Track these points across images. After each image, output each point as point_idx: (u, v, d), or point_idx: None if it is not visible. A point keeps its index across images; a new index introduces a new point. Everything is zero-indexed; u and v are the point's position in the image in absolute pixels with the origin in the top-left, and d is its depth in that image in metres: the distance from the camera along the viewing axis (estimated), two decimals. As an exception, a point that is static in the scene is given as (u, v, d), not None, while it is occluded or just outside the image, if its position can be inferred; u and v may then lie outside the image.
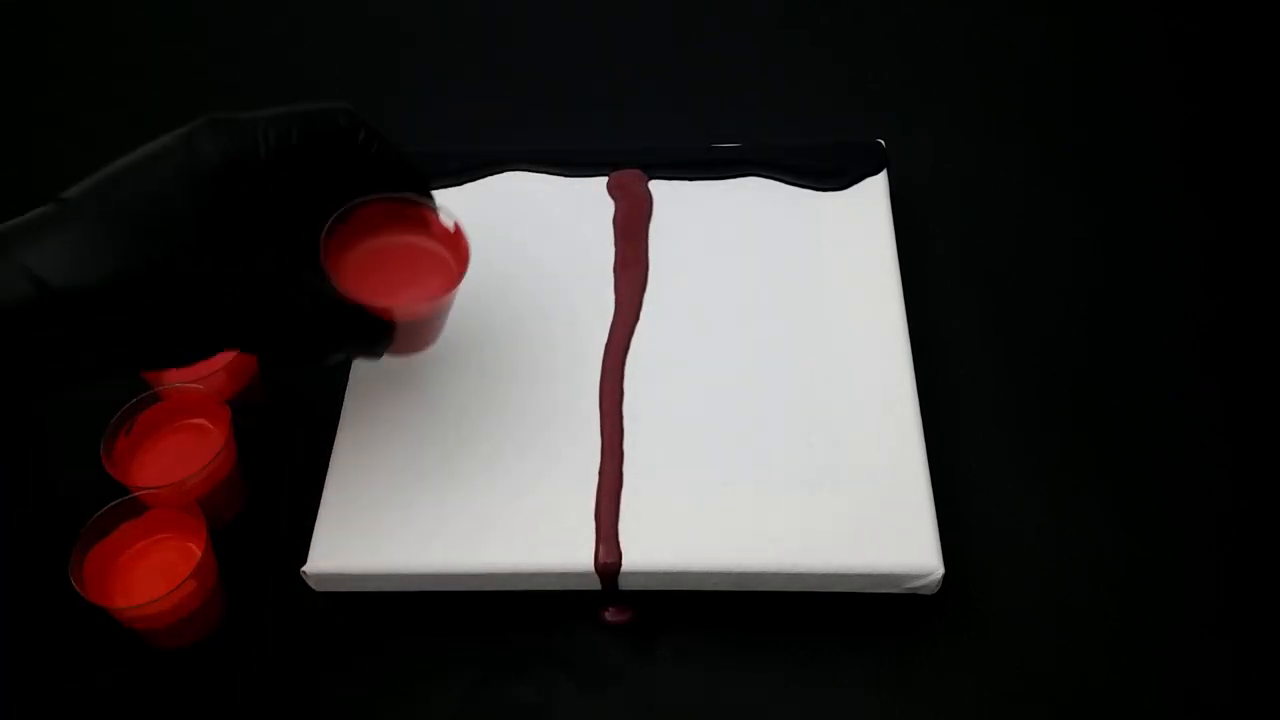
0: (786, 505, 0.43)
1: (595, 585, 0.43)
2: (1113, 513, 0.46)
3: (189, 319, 0.36)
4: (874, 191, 0.53)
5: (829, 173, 0.54)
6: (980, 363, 0.51)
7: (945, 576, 0.41)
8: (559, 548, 0.43)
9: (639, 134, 0.62)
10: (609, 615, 0.44)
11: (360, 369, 0.50)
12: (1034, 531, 0.46)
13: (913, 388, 0.46)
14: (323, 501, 0.45)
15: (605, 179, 0.55)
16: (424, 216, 0.42)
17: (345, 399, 0.49)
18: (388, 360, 0.49)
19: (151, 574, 0.44)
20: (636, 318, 0.50)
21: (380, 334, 0.40)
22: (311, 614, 0.45)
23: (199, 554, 0.43)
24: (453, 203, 0.54)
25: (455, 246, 0.42)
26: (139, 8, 0.73)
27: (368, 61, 0.69)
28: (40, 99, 0.69)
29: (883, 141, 0.55)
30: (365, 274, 0.41)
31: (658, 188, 0.55)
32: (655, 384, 0.47)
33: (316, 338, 0.39)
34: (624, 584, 0.43)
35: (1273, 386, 0.50)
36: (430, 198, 0.42)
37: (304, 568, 0.44)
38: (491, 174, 0.56)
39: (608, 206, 0.54)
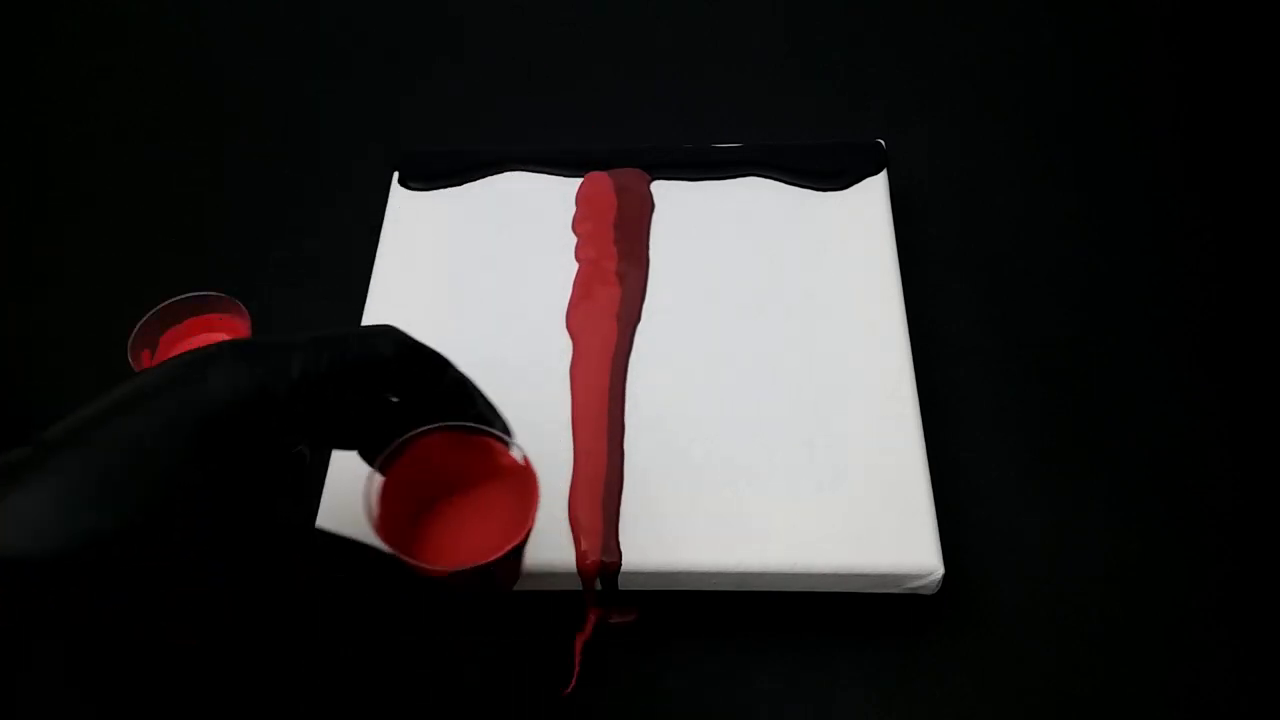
0: (786, 505, 0.43)
1: (595, 585, 0.43)
2: (1113, 513, 0.46)
3: (181, 580, 0.30)
4: (874, 191, 0.53)
5: (829, 173, 0.54)
6: (980, 362, 0.51)
7: (945, 576, 0.41)
8: (559, 548, 0.43)
9: (639, 134, 0.62)
10: (610, 617, 0.44)
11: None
12: (1034, 531, 0.46)
13: (913, 388, 0.46)
14: (323, 501, 0.45)
15: (607, 179, 0.55)
16: (488, 447, 0.36)
17: (345, 399, 0.48)
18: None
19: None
20: (637, 317, 0.50)
21: (432, 597, 0.35)
22: (312, 614, 0.45)
23: (199, 554, 0.43)
24: (453, 202, 0.55)
25: (524, 483, 0.36)
26: (139, 8, 0.74)
27: (368, 61, 0.69)
28: (40, 97, 0.69)
29: (883, 141, 0.55)
30: (414, 529, 0.36)
31: (658, 188, 0.55)
32: (656, 383, 0.47)
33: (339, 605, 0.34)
34: (624, 584, 0.43)
35: (1273, 386, 0.50)
36: (498, 425, 0.36)
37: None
38: (491, 174, 0.56)
39: (608, 206, 0.54)
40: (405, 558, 0.33)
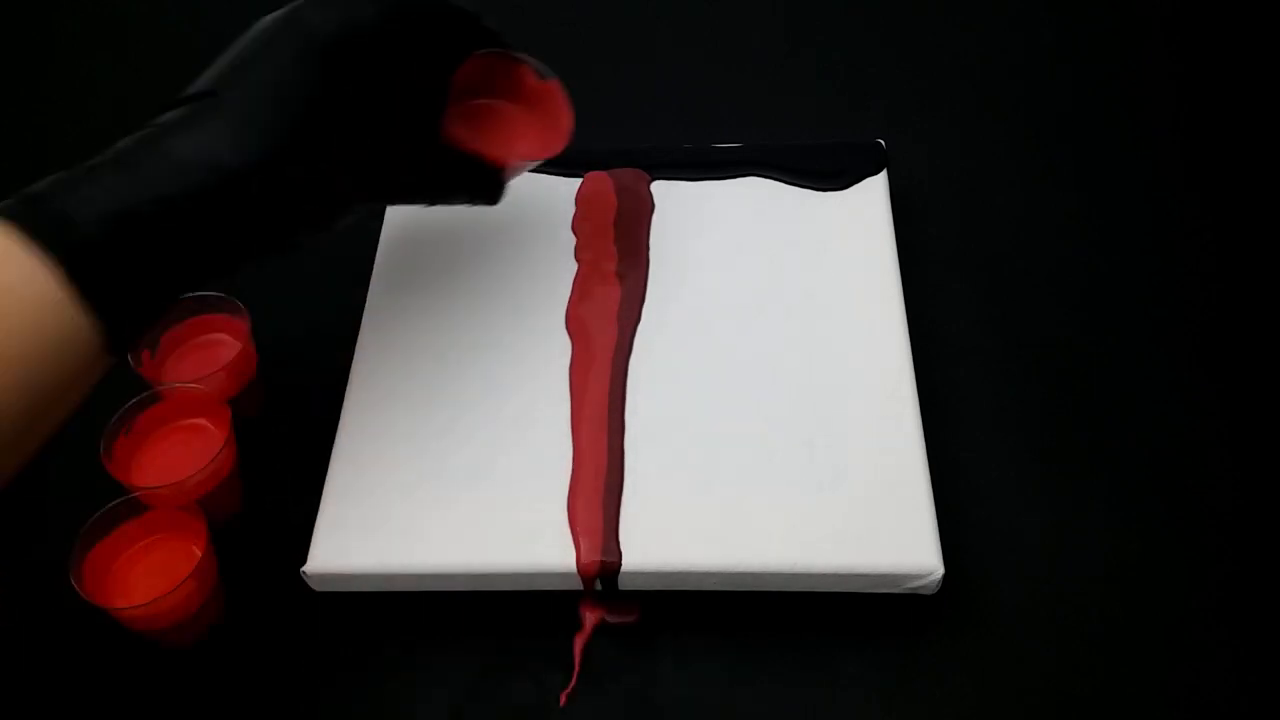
0: (786, 505, 0.43)
1: (595, 585, 0.43)
2: (1112, 513, 0.46)
3: (330, 183, 0.40)
4: (874, 191, 0.53)
5: (829, 173, 0.54)
6: (980, 362, 0.51)
7: (945, 576, 0.41)
8: (559, 548, 0.43)
9: (639, 134, 0.62)
10: (610, 616, 0.44)
11: (360, 370, 0.49)
12: (1034, 531, 0.46)
13: (913, 388, 0.46)
14: (323, 501, 0.45)
15: (607, 179, 0.55)
16: (522, 73, 0.47)
17: (345, 399, 0.49)
18: (389, 360, 0.49)
19: (151, 574, 0.44)
20: (638, 318, 0.50)
21: (496, 185, 0.47)
22: (311, 614, 0.45)
23: (199, 554, 0.43)
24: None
25: (554, 99, 0.48)
26: (139, 8, 0.74)
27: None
28: (40, 97, 0.69)
29: (883, 141, 0.55)
30: (481, 129, 0.46)
31: (658, 188, 0.55)
32: (656, 384, 0.47)
33: (442, 191, 0.46)
34: (624, 584, 0.43)
35: (1273, 386, 0.50)
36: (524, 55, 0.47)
37: (304, 568, 0.44)
38: (491, 174, 0.56)
39: (608, 206, 0.54)
40: (478, 151, 0.46)
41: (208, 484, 0.45)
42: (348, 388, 0.49)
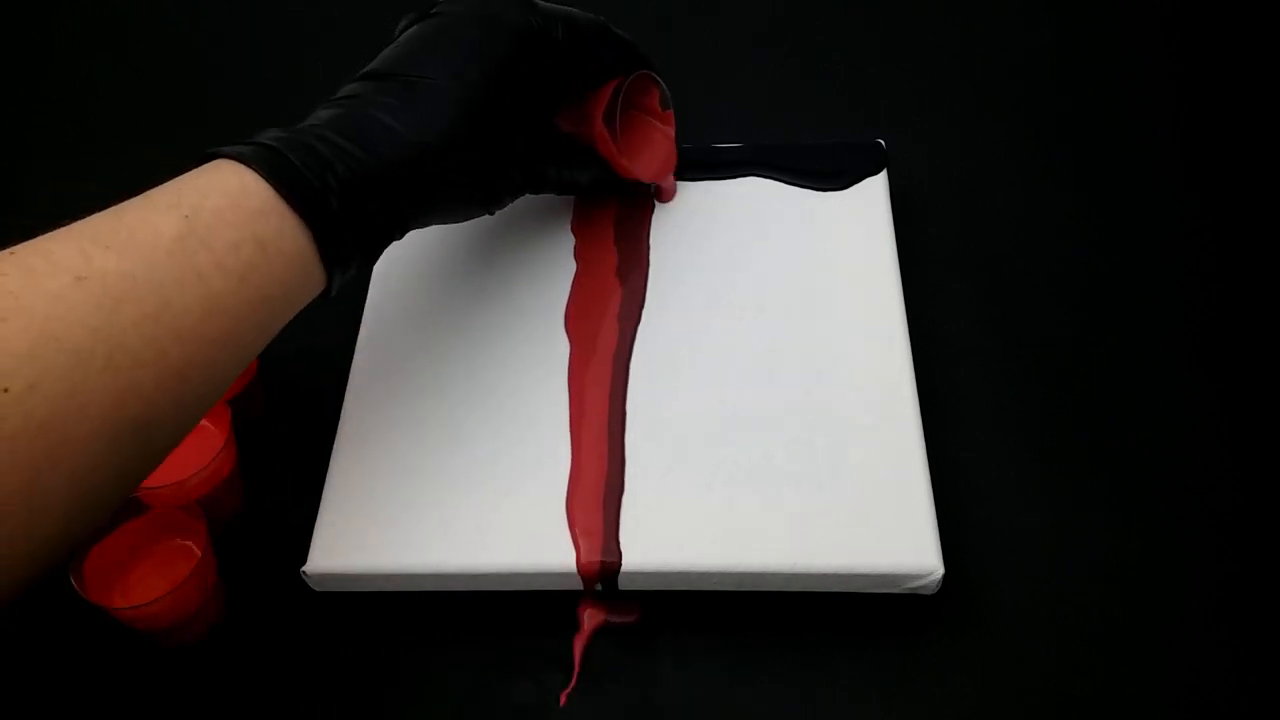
0: (786, 505, 0.43)
1: (595, 586, 0.43)
2: (1112, 513, 0.46)
3: (508, 159, 0.44)
4: (874, 191, 0.53)
5: (829, 173, 0.54)
6: (980, 362, 0.51)
7: (945, 576, 0.41)
8: (559, 548, 0.43)
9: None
10: (610, 617, 0.44)
11: (360, 370, 0.49)
12: (1034, 531, 0.46)
13: (913, 388, 0.46)
14: (323, 501, 0.45)
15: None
16: (653, 95, 0.53)
17: (345, 399, 0.49)
18: (389, 360, 0.50)
19: (151, 574, 0.44)
20: (638, 318, 0.50)
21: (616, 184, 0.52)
22: (311, 614, 0.45)
23: (199, 554, 0.43)
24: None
25: (667, 129, 0.53)
26: (139, 8, 0.74)
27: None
28: (40, 97, 0.69)
29: (883, 141, 0.55)
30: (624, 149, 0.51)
31: (658, 188, 0.55)
32: (656, 383, 0.47)
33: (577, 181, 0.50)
34: (624, 584, 0.43)
35: (1273, 386, 0.50)
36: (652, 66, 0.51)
37: (304, 568, 0.44)
38: (491, 174, 0.56)
39: (608, 206, 0.54)
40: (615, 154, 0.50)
41: (208, 484, 0.45)
42: (348, 387, 0.49)
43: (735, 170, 0.55)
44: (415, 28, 0.43)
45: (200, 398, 0.35)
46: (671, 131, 0.53)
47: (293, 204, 0.36)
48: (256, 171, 0.36)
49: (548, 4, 0.44)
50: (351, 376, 0.49)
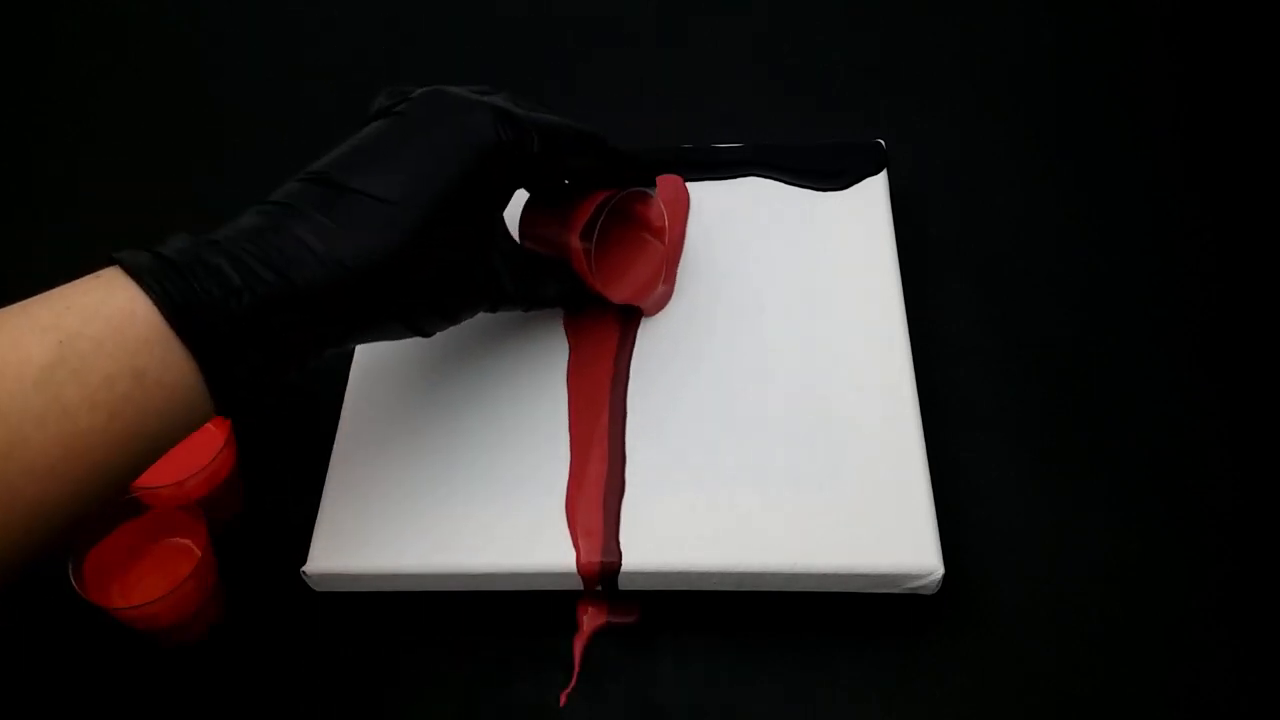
0: (786, 505, 0.43)
1: (595, 586, 0.43)
2: (1113, 512, 0.46)
3: (453, 281, 0.40)
4: (874, 191, 0.53)
5: (829, 173, 0.54)
6: (979, 362, 0.51)
7: (945, 576, 0.41)
8: (559, 548, 0.43)
9: (639, 134, 0.62)
10: (610, 617, 0.45)
11: (360, 370, 0.50)
12: (1034, 531, 0.46)
13: (913, 388, 0.46)
14: (323, 501, 0.45)
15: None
16: (646, 203, 0.48)
17: (345, 399, 0.49)
18: (389, 360, 0.50)
19: (151, 574, 0.44)
20: (638, 318, 0.50)
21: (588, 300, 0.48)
22: (311, 614, 0.45)
23: (199, 554, 0.43)
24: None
25: (661, 243, 0.50)
26: (139, 8, 0.74)
27: (367, 61, 0.69)
28: (40, 97, 0.69)
29: (883, 141, 0.55)
30: (603, 265, 0.47)
31: (658, 188, 0.55)
32: (656, 384, 0.47)
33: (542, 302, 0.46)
34: (624, 584, 0.43)
35: (1273, 386, 0.50)
36: (652, 184, 0.47)
37: (304, 568, 0.44)
38: (491, 174, 0.56)
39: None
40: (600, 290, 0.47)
41: (208, 484, 0.45)
42: (348, 388, 0.49)
43: (735, 170, 0.55)
44: (377, 124, 0.39)
45: (59, 530, 0.33)
46: (663, 250, 0.50)
47: (181, 334, 0.33)
48: (149, 294, 0.33)
49: (530, 112, 0.40)
50: (351, 376, 0.49)
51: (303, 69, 0.68)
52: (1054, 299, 0.54)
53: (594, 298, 0.48)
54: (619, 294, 0.48)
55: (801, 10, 0.69)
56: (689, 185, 0.55)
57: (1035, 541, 0.46)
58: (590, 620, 0.44)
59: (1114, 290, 0.54)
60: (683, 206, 0.53)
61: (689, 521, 0.43)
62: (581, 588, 0.43)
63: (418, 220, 0.37)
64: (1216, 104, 0.62)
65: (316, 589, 0.44)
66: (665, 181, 0.54)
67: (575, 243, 0.44)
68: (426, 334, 0.41)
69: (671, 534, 0.43)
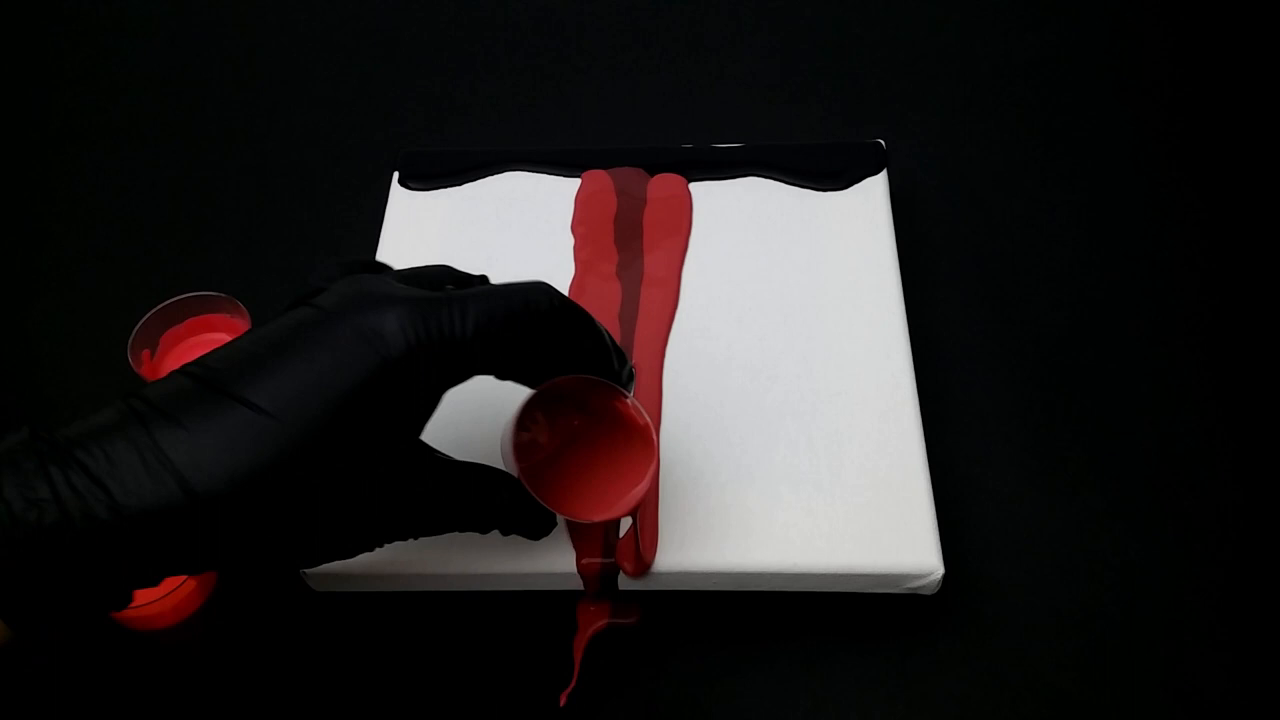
0: (787, 505, 0.43)
1: (595, 586, 0.43)
2: (1113, 513, 0.46)
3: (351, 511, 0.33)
4: (874, 191, 0.53)
5: (829, 173, 0.54)
6: (980, 363, 0.51)
7: (945, 576, 0.41)
8: (559, 549, 0.43)
9: (639, 134, 0.62)
10: (610, 618, 0.44)
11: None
12: (1034, 531, 0.46)
13: (913, 388, 0.46)
14: None
15: (606, 178, 0.55)
16: (613, 403, 0.39)
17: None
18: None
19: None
20: (637, 318, 0.50)
21: (548, 526, 0.39)
22: (311, 614, 0.45)
23: (199, 554, 0.43)
24: (452, 202, 0.55)
25: (645, 442, 0.38)
26: (139, 8, 0.74)
27: (368, 61, 0.69)
28: (41, 97, 0.69)
29: (883, 141, 0.55)
30: (553, 476, 0.38)
31: (658, 188, 0.55)
32: (655, 384, 0.47)
33: (487, 525, 0.37)
34: (624, 584, 0.43)
35: (1273, 386, 0.50)
36: (626, 382, 0.39)
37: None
38: (491, 174, 0.56)
39: (607, 206, 0.54)
40: (547, 503, 0.37)
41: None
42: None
43: (735, 170, 0.55)
44: (293, 313, 0.33)
45: None
46: (650, 445, 0.39)
47: None
48: None
49: (469, 292, 0.34)
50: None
51: (303, 69, 0.68)
52: (1054, 299, 0.54)
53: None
54: (577, 510, 0.38)
55: (802, 10, 0.69)
56: (689, 185, 0.55)
57: (1035, 541, 0.46)
58: (590, 621, 0.44)
59: (1114, 290, 0.54)
60: (683, 206, 0.53)
61: (689, 522, 0.43)
62: (582, 588, 0.43)
63: (313, 436, 0.30)
64: (1216, 104, 0.62)
65: (316, 589, 0.44)
66: (666, 181, 0.54)
67: (512, 436, 0.37)
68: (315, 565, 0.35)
69: (672, 534, 0.43)
